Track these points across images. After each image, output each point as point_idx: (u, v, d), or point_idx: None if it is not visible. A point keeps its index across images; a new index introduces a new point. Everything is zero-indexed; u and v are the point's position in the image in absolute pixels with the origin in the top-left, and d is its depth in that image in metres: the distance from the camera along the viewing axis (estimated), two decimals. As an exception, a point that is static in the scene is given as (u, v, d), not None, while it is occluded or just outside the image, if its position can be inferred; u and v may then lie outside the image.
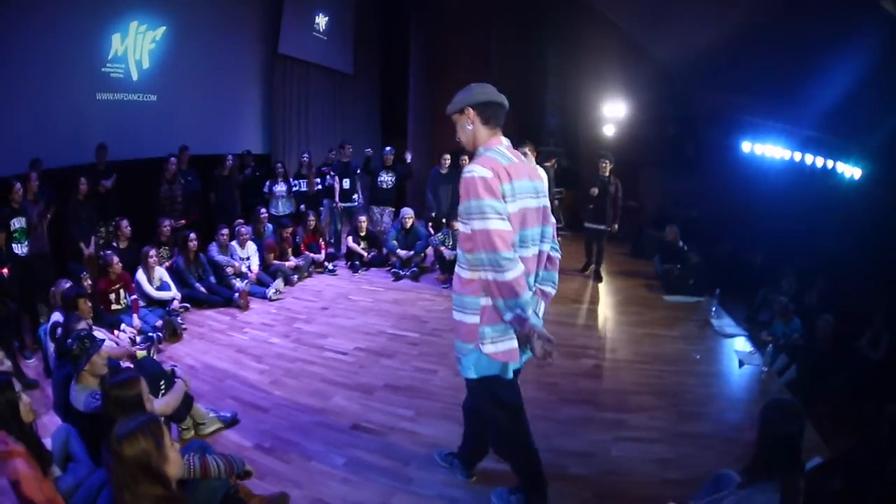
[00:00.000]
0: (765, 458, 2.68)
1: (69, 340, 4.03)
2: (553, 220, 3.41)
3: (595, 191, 9.35)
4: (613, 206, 9.25)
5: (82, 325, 4.77)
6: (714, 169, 11.52)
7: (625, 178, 10.27)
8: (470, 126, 3.31)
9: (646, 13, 11.46)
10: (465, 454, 4.14)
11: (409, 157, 11.49)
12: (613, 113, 13.15)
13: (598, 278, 9.60)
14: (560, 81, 15.05)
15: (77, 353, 3.97)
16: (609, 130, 13.27)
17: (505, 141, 3.29)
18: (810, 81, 7.81)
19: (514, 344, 3.17)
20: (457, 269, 3.31)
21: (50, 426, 4.17)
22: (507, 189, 3.02)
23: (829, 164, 8.60)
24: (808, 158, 9.05)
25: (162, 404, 4.12)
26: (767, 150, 10.03)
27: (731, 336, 7.10)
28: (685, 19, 10.18)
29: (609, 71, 13.13)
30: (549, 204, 3.37)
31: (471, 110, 3.29)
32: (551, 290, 3.43)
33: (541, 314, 3.35)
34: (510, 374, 3.26)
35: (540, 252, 3.30)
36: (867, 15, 6.37)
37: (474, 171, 3.05)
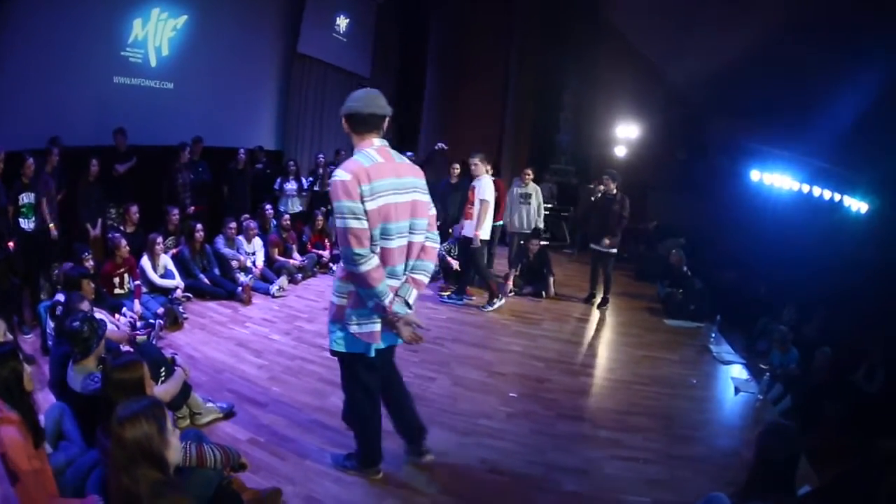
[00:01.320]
0: (759, 481, 2.72)
1: (76, 322, 3.96)
2: (429, 212, 3.74)
3: (601, 189, 9.47)
4: (617, 223, 9.13)
5: (84, 305, 4.81)
6: (722, 195, 11.56)
7: (633, 200, 10.30)
8: (347, 131, 3.64)
9: (665, 35, 11.56)
10: (405, 437, 4.35)
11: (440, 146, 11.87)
12: (625, 134, 13.24)
13: (604, 303, 9.34)
14: (575, 99, 15.06)
15: (87, 336, 3.94)
16: (620, 151, 13.36)
17: (377, 142, 3.57)
18: (820, 111, 7.86)
19: (377, 327, 3.58)
20: None
21: (43, 404, 4.12)
22: (365, 189, 3.32)
23: (837, 197, 8.65)
24: (816, 191, 9.09)
25: (161, 391, 4.12)
26: (776, 180, 10.07)
27: (729, 363, 7.15)
28: (702, 43, 10.27)
29: (624, 91, 13.25)
30: (423, 198, 3.66)
31: (343, 119, 3.62)
32: (423, 279, 3.75)
33: (412, 300, 3.65)
34: (372, 353, 3.67)
35: (411, 243, 3.62)
36: (878, 48, 6.44)
37: (336, 175, 3.38)
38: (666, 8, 11.20)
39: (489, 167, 8.74)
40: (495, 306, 8.65)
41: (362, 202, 3.31)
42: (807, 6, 8.32)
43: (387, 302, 3.43)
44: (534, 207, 9.84)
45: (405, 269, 3.65)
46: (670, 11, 11.09)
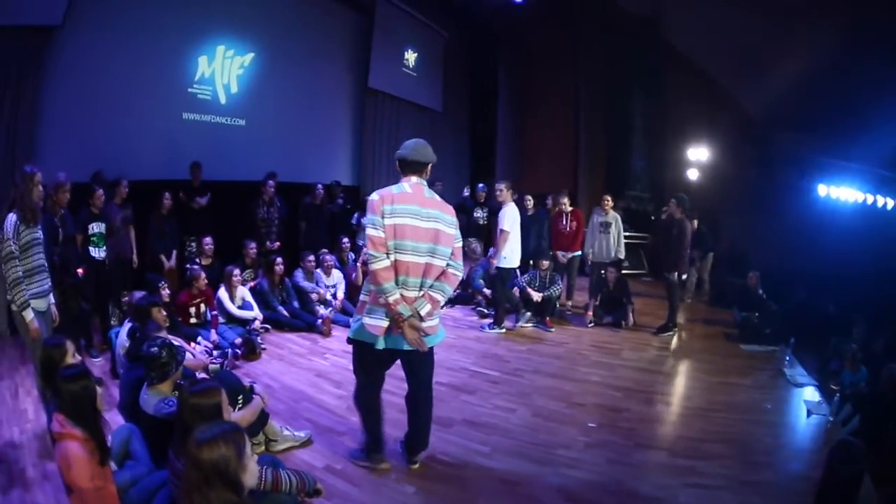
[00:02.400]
0: (826, 496, 2.90)
1: (154, 348, 4.15)
2: (455, 243, 4.47)
3: (664, 214, 9.51)
4: (676, 250, 9.11)
5: (162, 333, 4.94)
6: (790, 213, 11.52)
7: (706, 224, 10.38)
8: (397, 169, 4.51)
9: (729, 55, 11.66)
10: (405, 443, 4.94)
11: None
12: (696, 156, 13.25)
13: (663, 329, 9.36)
14: (646, 124, 15.14)
15: (165, 361, 4.14)
16: (693, 174, 13.37)
17: (414, 179, 4.40)
18: (884, 120, 7.90)
19: (384, 323, 4.26)
20: None
21: (112, 425, 4.27)
22: (387, 209, 4.18)
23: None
24: (880, 200, 9.07)
25: (238, 417, 4.30)
26: (842, 193, 10.03)
27: (802, 385, 7.19)
28: (764, 59, 10.37)
29: (692, 113, 13.28)
30: (447, 230, 4.39)
31: (397, 161, 4.49)
32: (440, 297, 4.37)
33: (423, 311, 4.26)
34: (380, 345, 4.32)
35: (430, 265, 4.31)
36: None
37: (371, 196, 4.30)
38: (728, 28, 11.36)
39: (514, 194, 8.91)
40: (495, 331, 8.96)
41: (382, 217, 4.16)
42: (867, 21, 8.43)
43: (391, 299, 4.14)
44: (613, 236, 9.91)
45: (422, 286, 4.31)
46: (732, 32, 11.25)
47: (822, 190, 10.63)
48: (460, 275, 4.55)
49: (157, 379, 4.15)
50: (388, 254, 4.16)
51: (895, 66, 7.98)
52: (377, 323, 4.28)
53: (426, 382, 4.73)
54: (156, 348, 4.17)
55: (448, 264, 4.40)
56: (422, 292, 4.30)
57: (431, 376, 4.75)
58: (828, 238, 10.32)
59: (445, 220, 4.37)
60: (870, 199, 9.37)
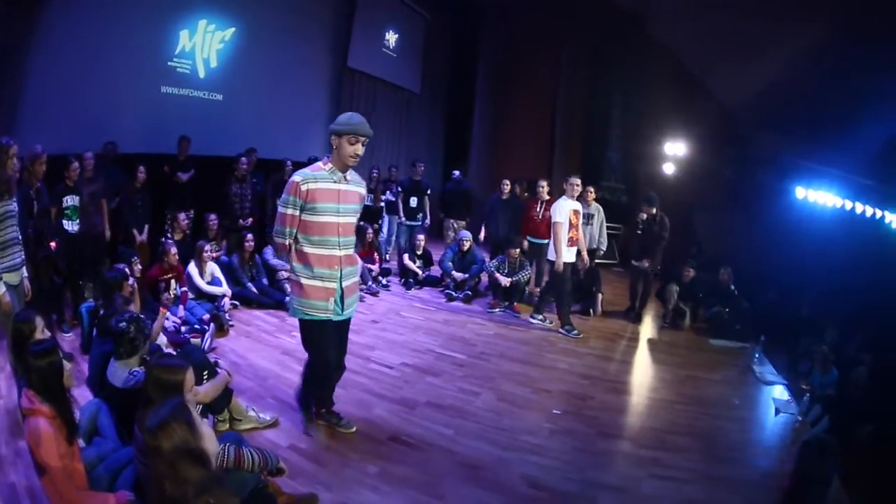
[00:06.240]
0: (795, 494, 2.78)
1: (123, 323, 4.08)
2: None
3: (643, 216, 9.38)
4: (655, 243, 9.22)
5: (129, 307, 4.90)
6: (767, 213, 11.50)
7: (680, 220, 10.31)
8: None
9: (708, 51, 11.61)
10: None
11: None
12: (673, 151, 13.21)
13: (638, 319, 9.55)
14: (623, 116, 15.08)
15: (133, 336, 4.05)
16: (669, 169, 13.32)
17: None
18: (864, 128, 7.87)
19: None
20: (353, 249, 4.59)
21: (80, 401, 4.28)
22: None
23: (878, 213, 8.60)
24: (859, 207, 9.04)
25: (202, 392, 4.25)
26: (820, 198, 10.02)
27: (771, 384, 7.14)
28: (745, 57, 10.32)
29: (671, 108, 13.19)
30: None
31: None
32: None
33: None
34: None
35: None
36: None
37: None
38: (711, 25, 11.27)
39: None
40: (544, 322, 8.72)
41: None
42: (850, 25, 8.36)
43: None
44: (595, 227, 9.79)
45: None
46: (716, 28, 11.16)
47: (801, 192, 10.60)
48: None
49: (125, 353, 4.08)
50: None
51: (878, 74, 7.91)
52: None
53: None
54: (124, 323, 4.10)
55: None
56: None
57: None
58: (804, 241, 10.31)
59: None
60: (849, 205, 9.31)
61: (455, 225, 11.55)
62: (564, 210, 8.11)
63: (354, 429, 4.99)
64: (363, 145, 4.32)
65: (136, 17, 8.87)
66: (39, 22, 7.76)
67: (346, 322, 4.69)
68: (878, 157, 8.29)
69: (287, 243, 4.39)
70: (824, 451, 2.83)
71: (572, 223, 8.17)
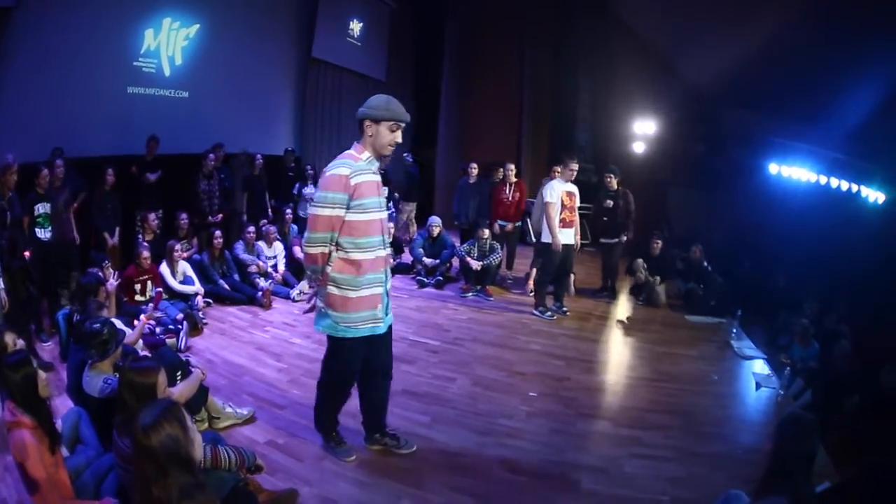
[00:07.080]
0: (776, 473, 2.68)
1: (97, 325, 4.03)
2: None
3: (610, 203, 9.34)
4: (625, 218, 9.23)
5: (103, 312, 4.87)
6: (740, 189, 11.48)
7: (653, 197, 10.26)
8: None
9: (675, 29, 11.53)
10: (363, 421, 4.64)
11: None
12: (643, 130, 13.17)
13: (613, 295, 9.54)
14: (591, 98, 15.00)
15: (105, 338, 3.99)
16: (639, 148, 13.29)
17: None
18: (836, 102, 7.82)
19: None
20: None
21: (62, 409, 4.26)
22: None
23: (854, 187, 8.58)
24: (834, 182, 9.03)
25: (178, 392, 4.16)
26: (794, 173, 10.01)
27: (750, 358, 7.05)
28: (713, 35, 10.23)
29: (640, 88, 13.16)
30: None
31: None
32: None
33: None
34: None
35: None
36: (894, 38, 6.40)
37: None
38: (678, 3, 11.17)
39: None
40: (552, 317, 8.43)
41: None
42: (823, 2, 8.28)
43: None
44: None
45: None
46: (679, 4, 11.06)
47: (774, 168, 10.58)
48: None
49: (97, 356, 4.01)
50: None
51: (850, 47, 7.84)
52: None
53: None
54: (98, 325, 4.07)
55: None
56: None
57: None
58: (778, 215, 10.30)
59: None
60: (823, 180, 9.29)
61: (406, 207, 11.94)
62: (557, 191, 8.07)
63: (415, 448, 4.58)
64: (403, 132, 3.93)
65: (102, 19, 8.68)
66: (3, 32, 7.64)
67: (391, 327, 4.28)
68: (851, 132, 8.23)
69: (326, 252, 3.84)
70: (803, 429, 2.71)
71: (566, 205, 8.11)
